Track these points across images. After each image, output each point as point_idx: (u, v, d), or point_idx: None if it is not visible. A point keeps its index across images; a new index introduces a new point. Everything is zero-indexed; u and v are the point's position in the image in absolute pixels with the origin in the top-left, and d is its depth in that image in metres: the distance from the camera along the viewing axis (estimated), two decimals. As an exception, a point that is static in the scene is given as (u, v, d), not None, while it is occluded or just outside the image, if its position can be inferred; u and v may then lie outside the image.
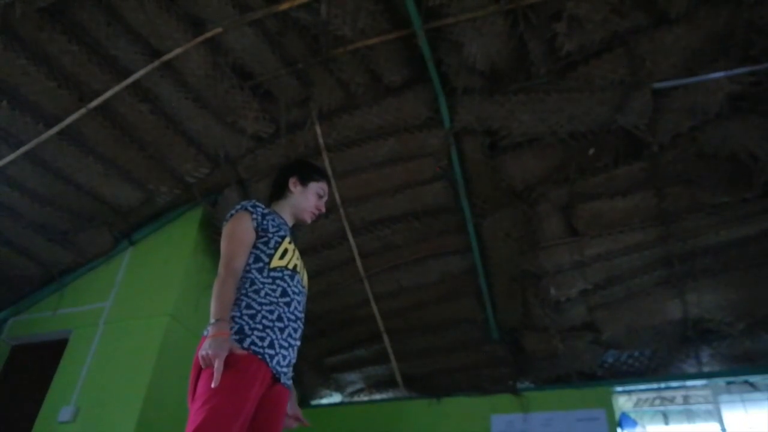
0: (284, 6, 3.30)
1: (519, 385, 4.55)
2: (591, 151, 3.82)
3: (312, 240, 4.44)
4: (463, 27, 3.36)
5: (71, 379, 3.75)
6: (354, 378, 5.17)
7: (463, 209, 4.15)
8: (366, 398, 5.19)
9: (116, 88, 3.53)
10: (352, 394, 5.26)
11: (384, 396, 5.11)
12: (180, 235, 4.31)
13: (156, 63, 3.48)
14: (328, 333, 4.88)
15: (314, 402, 5.28)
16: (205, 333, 1.59)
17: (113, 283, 4.24)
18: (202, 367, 1.48)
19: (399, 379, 4.94)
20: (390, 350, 4.85)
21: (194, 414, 1.42)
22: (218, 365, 1.42)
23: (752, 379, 4.11)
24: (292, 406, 1.78)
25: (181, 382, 3.70)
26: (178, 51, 3.45)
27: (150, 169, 4.04)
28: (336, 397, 5.29)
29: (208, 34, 3.42)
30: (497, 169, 4.03)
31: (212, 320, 1.52)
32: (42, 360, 4.08)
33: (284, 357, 1.63)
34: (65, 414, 3.53)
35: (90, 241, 4.33)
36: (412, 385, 4.95)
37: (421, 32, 3.35)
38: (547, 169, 4.00)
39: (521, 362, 4.61)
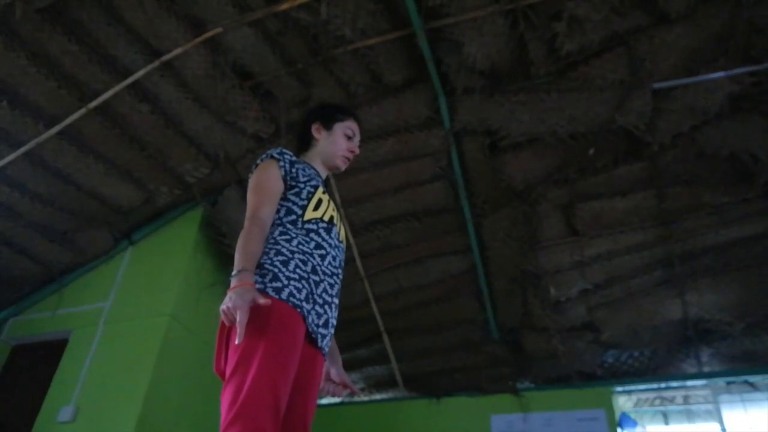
0: (284, 6, 3.30)
1: (519, 385, 4.55)
2: (591, 151, 3.82)
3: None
4: (463, 27, 3.36)
5: (71, 379, 3.75)
6: (354, 378, 5.17)
7: (463, 209, 4.15)
8: (366, 398, 5.19)
9: (116, 88, 3.53)
10: (352, 393, 5.26)
11: (384, 396, 5.12)
12: (180, 235, 4.31)
13: (156, 63, 3.48)
14: (328, 333, 4.88)
15: (314, 402, 5.28)
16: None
17: (113, 283, 4.24)
18: (226, 324, 1.32)
19: (399, 379, 4.94)
20: (390, 350, 4.85)
21: (236, 374, 1.26)
22: (241, 318, 1.23)
23: (752, 379, 4.11)
24: (339, 372, 1.64)
25: (181, 382, 3.72)
26: (178, 51, 3.45)
27: (150, 169, 4.04)
28: (336, 397, 5.29)
29: (208, 34, 3.41)
30: (497, 169, 4.04)
31: (234, 271, 1.34)
32: (42, 360, 4.08)
33: (318, 315, 1.44)
34: (65, 414, 3.53)
35: (90, 241, 4.33)
36: (412, 385, 4.95)
37: (421, 32, 3.35)
38: (547, 169, 4.00)
39: (521, 362, 4.61)
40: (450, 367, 4.80)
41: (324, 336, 1.47)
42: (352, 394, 1.66)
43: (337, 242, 1.60)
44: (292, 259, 1.44)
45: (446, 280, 4.55)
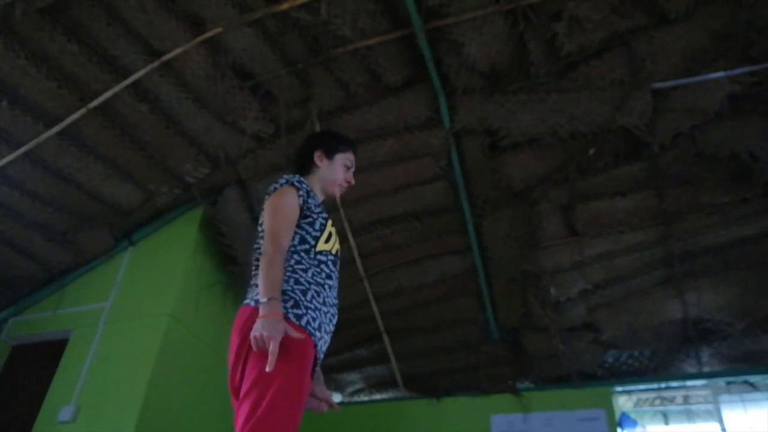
0: (284, 6, 3.30)
1: (519, 385, 4.55)
2: (591, 151, 3.82)
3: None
4: (463, 27, 3.36)
5: (71, 379, 3.75)
6: (354, 378, 5.17)
7: (463, 209, 4.15)
8: (366, 398, 5.19)
9: (116, 88, 3.53)
10: (352, 394, 5.26)
11: (384, 396, 5.12)
12: (180, 235, 4.31)
13: (156, 63, 3.48)
14: (328, 333, 4.88)
15: (314, 402, 5.28)
16: (247, 301, 1.54)
17: (113, 283, 4.24)
18: (254, 349, 1.37)
19: (399, 379, 4.95)
20: (390, 350, 4.85)
21: (254, 390, 1.34)
22: (273, 348, 1.31)
23: (752, 379, 4.11)
24: (321, 390, 1.72)
25: (181, 382, 3.72)
26: (178, 51, 3.45)
27: (150, 169, 4.04)
28: (336, 397, 5.29)
29: (208, 34, 3.41)
30: (497, 169, 4.04)
31: (263, 299, 1.41)
32: (42, 360, 4.08)
33: (325, 342, 1.57)
34: (65, 414, 3.53)
35: (90, 241, 4.33)
36: (412, 385, 4.95)
37: (421, 32, 3.35)
38: (547, 169, 4.00)
39: (521, 362, 4.61)
40: (450, 367, 4.80)
41: (320, 361, 1.59)
42: (332, 409, 1.78)
43: (337, 274, 1.73)
44: (309, 289, 1.55)
45: (446, 280, 4.55)
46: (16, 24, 3.14)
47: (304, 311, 1.49)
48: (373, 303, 4.69)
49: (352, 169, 1.93)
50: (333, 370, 5.12)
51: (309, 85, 3.80)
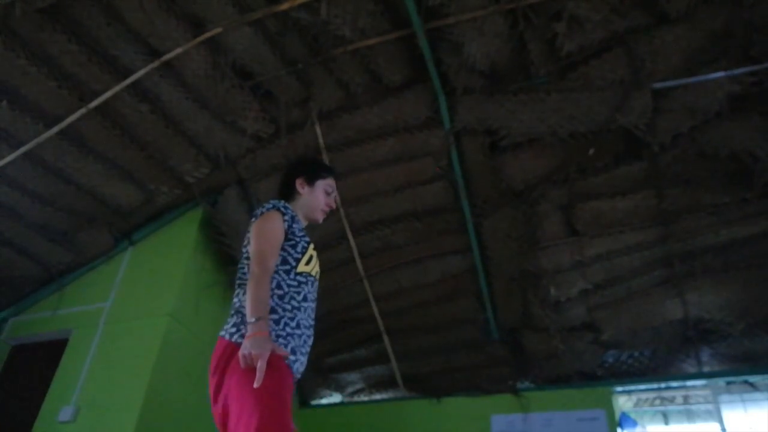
0: (284, 6, 3.30)
1: (519, 385, 4.55)
2: (591, 151, 3.82)
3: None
4: (463, 27, 3.36)
5: (71, 379, 3.75)
6: (354, 378, 5.17)
7: (463, 209, 4.15)
8: (366, 398, 5.19)
9: (116, 88, 3.53)
10: (352, 394, 5.25)
11: (384, 396, 5.11)
12: (180, 235, 4.31)
13: (156, 63, 3.48)
14: (328, 333, 4.88)
15: (314, 402, 5.28)
16: (223, 333, 1.63)
17: (113, 283, 4.24)
18: (242, 366, 1.46)
19: (399, 379, 4.94)
20: (390, 350, 4.84)
21: (245, 420, 1.41)
22: (261, 365, 1.40)
23: (752, 379, 4.11)
24: None
25: (181, 382, 3.72)
26: (178, 51, 3.45)
27: (150, 169, 4.04)
28: (336, 397, 5.29)
29: (208, 34, 3.42)
30: (497, 169, 4.04)
31: (251, 319, 1.50)
32: (42, 360, 4.08)
33: (302, 363, 1.65)
34: (65, 414, 3.53)
35: (90, 241, 4.33)
36: (412, 385, 4.95)
37: (421, 32, 3.35)
38: (547, 169, 4.00)
39: (521, 362, 4.61)
40: (450, 367, 4.80)
41: (298, 381, 1.67)
42: None
43: (315, 296, 1.81)
44: (283, 317, 1.63)
45: (446, 280, 4.54)
46: (16, 24, 3.14)
47: (275, 338, 1.57)
48: (373, 303, 4.68)
49: (333, 195, 2.03)
50: (333, 370, 5.12)
51: (309, 85, 3.80)
